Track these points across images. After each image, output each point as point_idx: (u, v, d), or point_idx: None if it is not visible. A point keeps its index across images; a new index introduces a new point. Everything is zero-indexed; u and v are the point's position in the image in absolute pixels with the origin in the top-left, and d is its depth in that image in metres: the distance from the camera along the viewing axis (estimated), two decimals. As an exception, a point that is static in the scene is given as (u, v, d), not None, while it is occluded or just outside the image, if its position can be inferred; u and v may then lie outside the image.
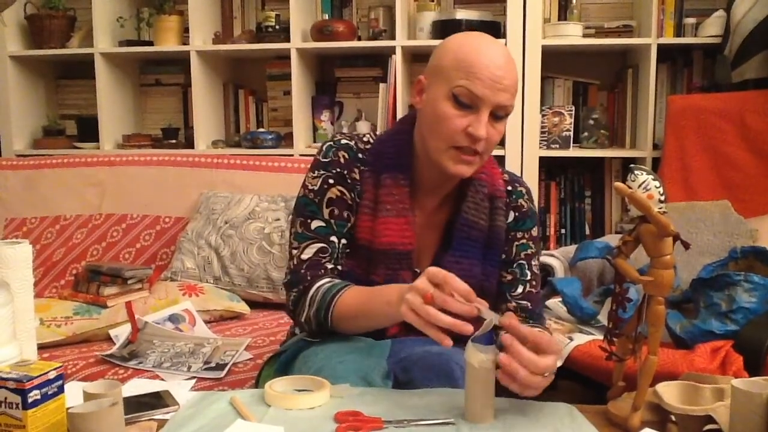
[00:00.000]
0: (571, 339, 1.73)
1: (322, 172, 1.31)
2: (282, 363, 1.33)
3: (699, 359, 1.57)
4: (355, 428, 1.02)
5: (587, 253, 2.00)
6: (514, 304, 1.35)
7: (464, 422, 1.05)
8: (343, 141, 1.33)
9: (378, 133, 1.39)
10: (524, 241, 1.38)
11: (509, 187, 1.38)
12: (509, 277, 1.37)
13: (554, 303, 1.98)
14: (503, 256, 1.36)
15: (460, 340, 1.05)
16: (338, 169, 1.31)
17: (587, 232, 2.81)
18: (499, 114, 1.22)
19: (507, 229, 1.36)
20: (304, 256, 1.30)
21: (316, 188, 1.31)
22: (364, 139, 1.35)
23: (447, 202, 1.35)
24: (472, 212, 1.31)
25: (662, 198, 1.08)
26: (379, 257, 1.28)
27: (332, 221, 1.30)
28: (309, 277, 1.29)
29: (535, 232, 1.40)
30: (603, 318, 1.83)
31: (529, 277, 1.37)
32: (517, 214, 1.38)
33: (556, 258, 2.21)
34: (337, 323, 1.25)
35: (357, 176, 1.31)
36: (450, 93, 1.20)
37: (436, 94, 1.23)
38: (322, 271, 1.29)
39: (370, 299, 1.21)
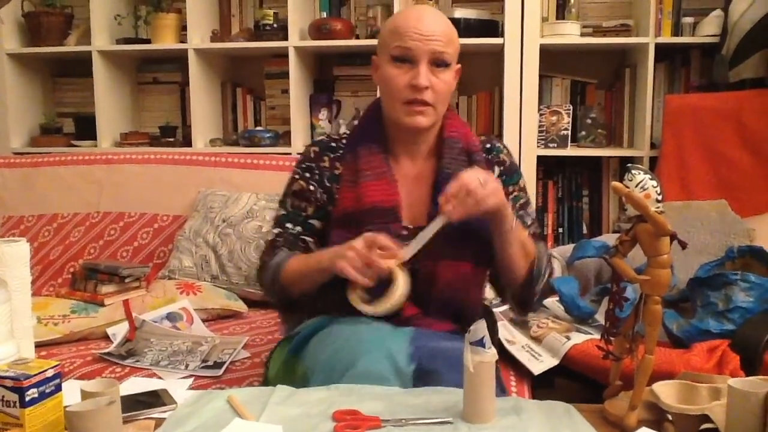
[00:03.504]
0: (568, 338, 1.73)
1: (295, 169, 1.50)
2: (297, 343, 1.36)
3: (696, 358, 1.57)
4: (353, 427, 1.03)
5: (584, 252, 2.00)
6: None
7: (462, 421, 1.06)
8: (317, 138, 1.53)
9: None
10: (516, 193, 1.49)
11: (487, 145, 1.49)
12: None
13: (551, 302, 1.98)
14: None
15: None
16: (307, 163, 1.48)
17: (585, 231, 2.81)
18: (438, 63, 1.34)
19: None
20: (269, 239, 1.49)
21: (288, 182, 1.51)
22: (341, 132, 1.54)
23: (430, 164, 1.45)
24: (452, 167, 1.40)
25: (659, 197, 1.08)
26: (366, 217, 1.37)
27: (291, 210, 1.48)
28: (267, 255, 1.47)
29: (522, 183, 1.51)
30: (600, 317, 1.83)
31: (530, 223, 1.48)
32: (502, 168, 1.48)
33: (554, 257, 2.21)
34: (289, 287, 1.40)
35: (326, 164, 1.46)
36: (390, 56, 1.36)
37: (382, 64, 1.39)
38: (277, 251, 1.46)
39: (306, 264, 1.38)
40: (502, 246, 1.35)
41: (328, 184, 1.45)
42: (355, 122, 1.55)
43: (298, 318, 1.46)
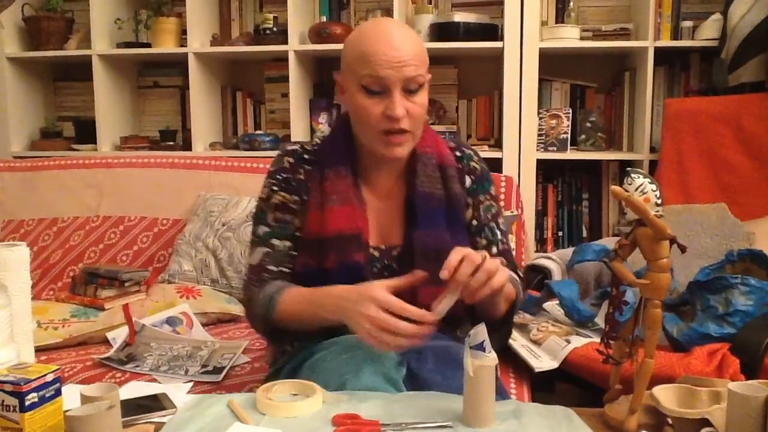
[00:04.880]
0: (568, 342, 1.73)
1: (270, 180, 1.40)
2: (285, 375, 1.33)
3: (696, 362, 1.57)
4: (353, 431, 1.03)
5: (584, 256, 2.00)
6: None
7: (462, 425, 1.05)
8: (290, 147, 1.42)
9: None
10: (488, 202, 1.43)
11: (458, 153, 1.43)
12: (484, 242, 1.41)
13: (551, 306, 1.98)
14: (474, 222, 1.41)
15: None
16: (284, 174, 1.39)
17: (584, 234, 2.82)
18: (411, 88, 1.27)
19: (467, 193, 1.41)
20: (252, 262, 1.38)
21: (264, 196, 1.40)
22: (312, 142, 1.43)
23: (402, 181, 1.39)
24: (426, 185, 1.36)
25: (659, 201, 1.08)
26: (330, 244, 1.31)
27: (276, 225, 1.37)
28: (255, 283, 1.35)
29: (493, 191, 1.45)
30: (600, 321, 1.83)
31: (500, 236, 1.43)
32: (473, 177, 1.43)
33: (554, 261, 2.21)
34: (285, 324, 1.30)
35: (302, 176, 1.38)
36: (360, 85, 1.27)
37: (351, 90, 1.30)
38: (266, 274, 1.35)
39: (306, 305, 1.26)
40: (489, 305, 1.29)
41: (305, 198, 1.37)
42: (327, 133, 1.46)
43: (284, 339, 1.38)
